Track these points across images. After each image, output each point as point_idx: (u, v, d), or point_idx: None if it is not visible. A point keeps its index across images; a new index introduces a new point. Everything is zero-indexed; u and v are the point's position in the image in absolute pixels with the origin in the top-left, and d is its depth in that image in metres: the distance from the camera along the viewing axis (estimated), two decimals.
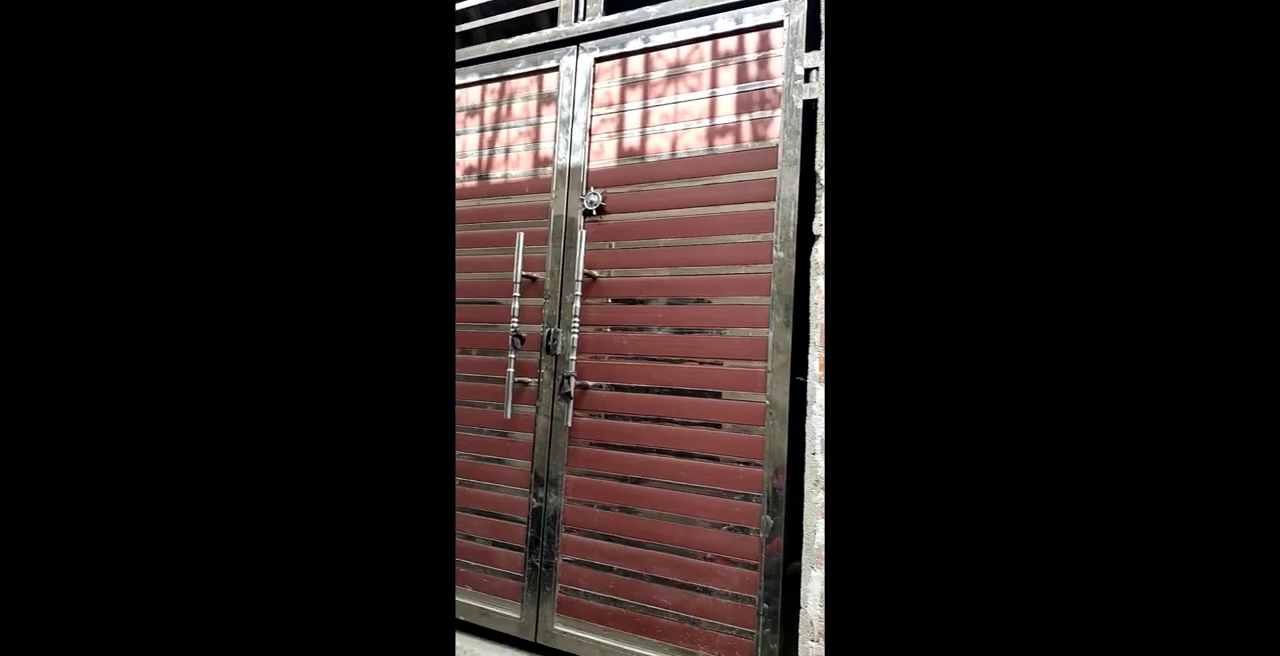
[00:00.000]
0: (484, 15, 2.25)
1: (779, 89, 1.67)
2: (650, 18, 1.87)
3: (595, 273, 1.86)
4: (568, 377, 1.83)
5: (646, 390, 1.76)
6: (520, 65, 2.07)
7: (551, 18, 2.08)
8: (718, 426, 1.66)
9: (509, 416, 1.92)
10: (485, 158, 2.12)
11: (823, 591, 1.45)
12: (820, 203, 1.53)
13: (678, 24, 1.83)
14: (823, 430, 1.48)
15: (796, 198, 1.61)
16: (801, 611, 1.49)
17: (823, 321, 1.49)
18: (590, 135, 1.93)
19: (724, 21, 1.77)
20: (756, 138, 1.69)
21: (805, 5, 1.66)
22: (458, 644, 1.91)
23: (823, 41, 1.58)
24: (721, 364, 1.67)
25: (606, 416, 1.81)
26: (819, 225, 1.52)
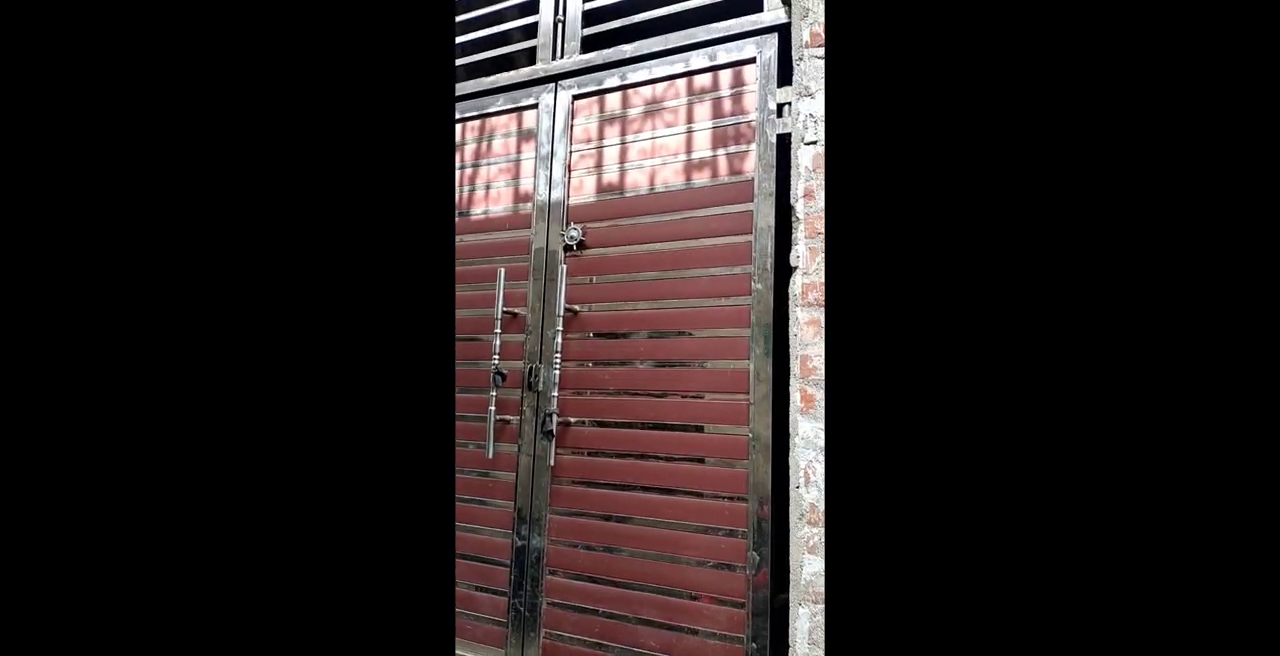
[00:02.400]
0: (464, 54, 2.28)
1: (753, 123, 1.69)
2: (626, 56, 1.90)
3: (577, 307, 1.85)
4: (549, 415, 1.80)
5: (629, 425, 1.73)
6: (500, 103, 2.10)
7: (530, 56, 2.12)
8: (701, 461, 1.64)
9: (490, 456, 1.88)
10: (466, 194, 2.12)
11: (810, 628, 1.41)
12: (797, 234, 1.53)
13: (653, 62, 1.86)
14: (805, 462, 1.46)
15: (773, 229, 1.62)
16: (790, 650, 1.44)
17: (803, 353, 1.48)
18: (570, 171, 1.94)
19: (698, 59, 1.79)
20: (733, 171, 1.71)
21: (776, 42, 1.69)
22: None
23: (794, 74, 1.61)
24: (703, 397, 1.65)
25: (589, 453, 1.78)
26: (796, 257, 1.53)
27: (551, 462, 1.80)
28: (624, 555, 1.69)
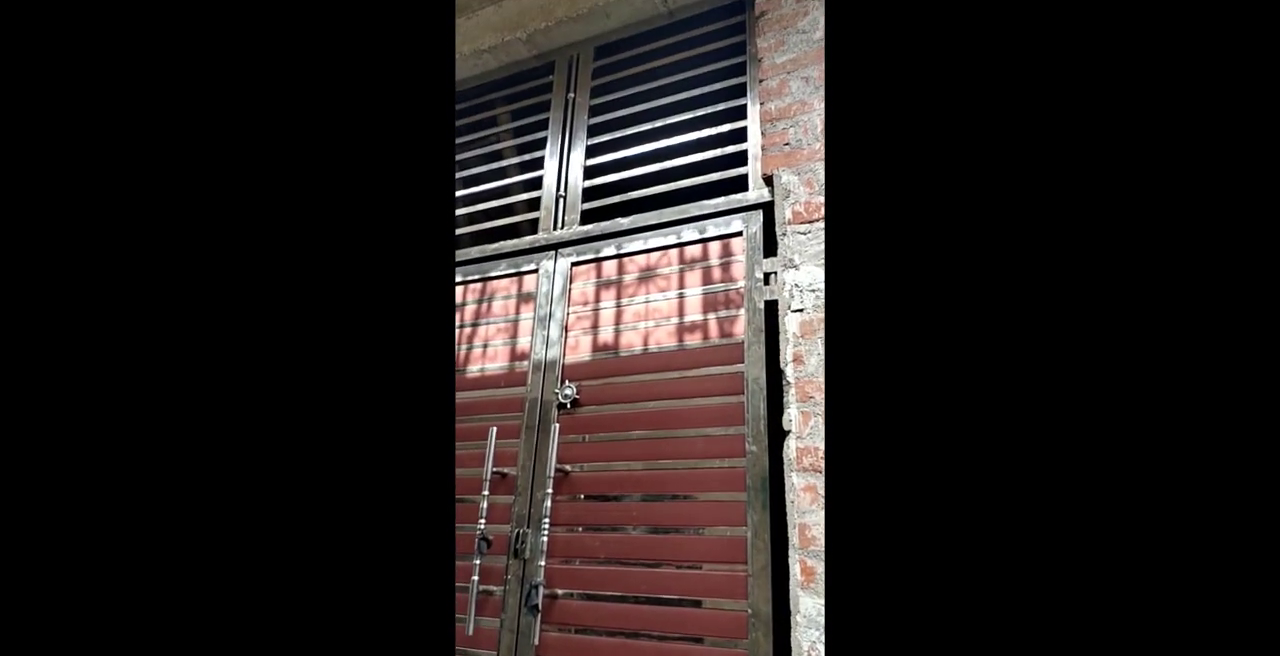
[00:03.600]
0: (472, 222, 2.47)
1: (742, 291, 1.78)
2: (622, 228, 2.05)
3: (568, 467, 1.81)
4: (536, 587, 1.68)
5: (621, 599, 1.62)
6: (502, 267, 2.22)
7: (533, 226, 2.28)
8: (700, 641, 1.50)
9: (470, 632, 1.73)
10: (464, 352, 2.17)
11: None
12: (789, 397, 1.55)
13: (648, 233, 2.01)
14: (808, 644, 1.34)
15: (765, 391, 1.63)
16: None
17: (801, 521, 1.43)
18: (566, 331, 2.00)
19: (689, 232, 1.94)
20: (723, 334, 1.76)
21: (761, 218, 1.83)
22: None
23: (779, 248, 1.72)
24: (700, 568, 1.56)
25: (577, 631, 1.64)
26: (789, 420, 1.53)
27: (535, 642, 1.65)
28: None
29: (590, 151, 2.27)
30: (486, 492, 1.87)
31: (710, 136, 2.06)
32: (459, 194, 2.52)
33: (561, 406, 1.89)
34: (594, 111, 2.33)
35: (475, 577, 1.78)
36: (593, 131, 2.30)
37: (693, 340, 1.80)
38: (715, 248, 1.89)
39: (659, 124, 2.15)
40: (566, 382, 1.91)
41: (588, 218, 2.18)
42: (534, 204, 2.33)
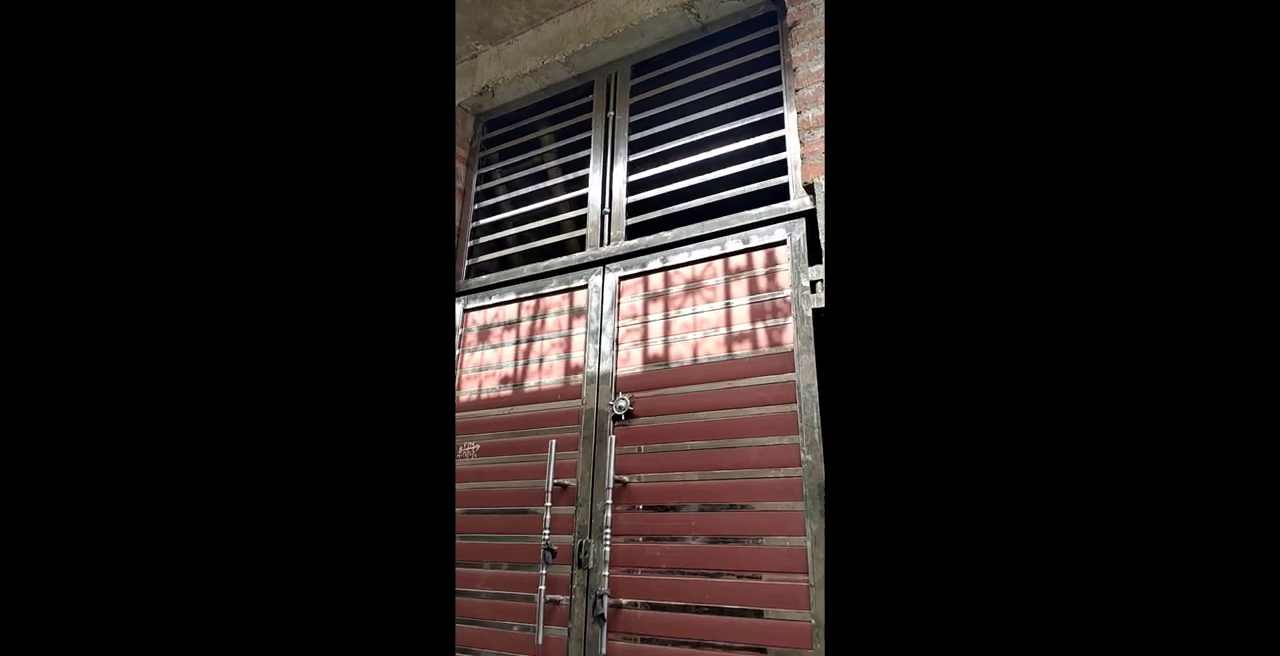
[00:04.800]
0: (521, 242, 2.55)
1: (789, 299, 1.79)
2: (667, 241, 2.08)
3: (626, 478, 1.85)
4: (601, 596, 1.73)
5: (684, 609, 1.65)
6: (553, 284, 2.29)
7: (580, 243, 2.34)
8: (763, 651, 1.52)
9: (540, 641, 1.79)
10: (520, 368, 2.25)
11: None
12: None
13: (692, 246, 2.04)
14: None
15: (818, 400, 1.64)
16: None
17: None
18: (617, 344, 2.05)
19: (733, 242, 1.96)
20: (772, 343, 1.78)
21: (804, 226, 1.84)
22: None
23: (823, 255, 1.73)
24: (760, 578, 1.58)
25: (643, 640, 1.67)
26: None
27: (603, 650, 1.69)
28: None
29: (632, 167, 2.32)
30: (549, 504, 1.93)
31: (750, 147, 2.08)
32: (509, 214, 2.61)
33: (616, 418, 1.94)
34: (634, 128, 2.38)
35: (542, 587, 1.84)
36: (634, 147, 2.35)
37: (742, 350, 1.82)
38: (760, 257, 1.90)
39: (698, 137, 2.19)
40: (620, 395, 1.96)
41: (632, 232, 2.23)
42: (580, 221, 2.39)
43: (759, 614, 1.55)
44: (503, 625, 1.92)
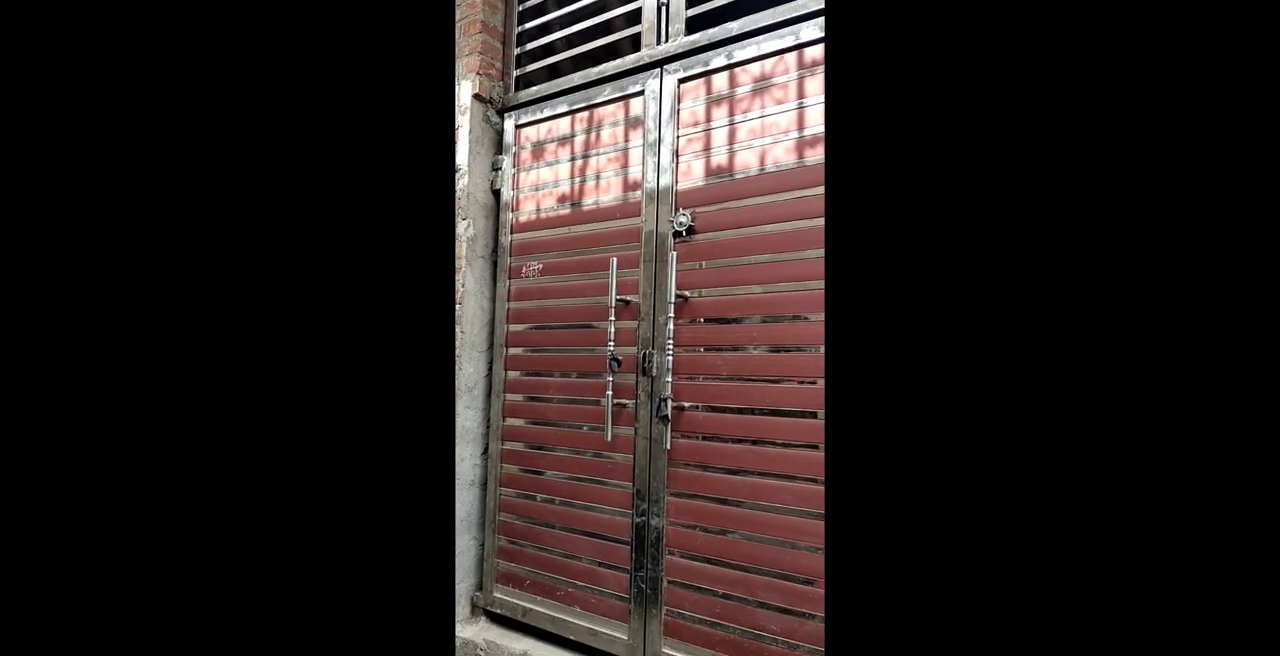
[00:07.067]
0: (570, 46, 2.33)
1: None
2: (732, 33, 1.85)
3: (688, 293, 1.85)
4: (664, 400, 1.83)
5: (743, 411, 1.73)
6: (607, 92, 2.12)
7: (635, 43, 2.12)
8: (817, 447, 1.60)
9: (609, 438, 1.95)
10: (577, 185, 2.18)
11: None
12: None
13: (761, 37, 1.81)
14: None
15: None
16: None
17: None
18: (677, 156, 1.93)
19: (809, 30, 1.72)
20: None
21: None
22: None
23: None
24: (817, 382, 1.61)
25: (704, 438, 1.79)
26: None
27: (667, 446, 1.83)
28: (740, 538, 1.70)
29: None
30: (613, 318, 1.98)
31: None
32: (555, 14, 2.35)
33: (677, 234, 1.89)
34: None
35: (609, 392, 1.95)
36: None
37: (814, 155, 1.68)
38: None
39: None
40: (681, 210, 1.89)
41: (693, 26, 1.99)
42: (634, 17, 2.14)
43: (815, 415, 1.61)
44: (573, 425, 2.08)
